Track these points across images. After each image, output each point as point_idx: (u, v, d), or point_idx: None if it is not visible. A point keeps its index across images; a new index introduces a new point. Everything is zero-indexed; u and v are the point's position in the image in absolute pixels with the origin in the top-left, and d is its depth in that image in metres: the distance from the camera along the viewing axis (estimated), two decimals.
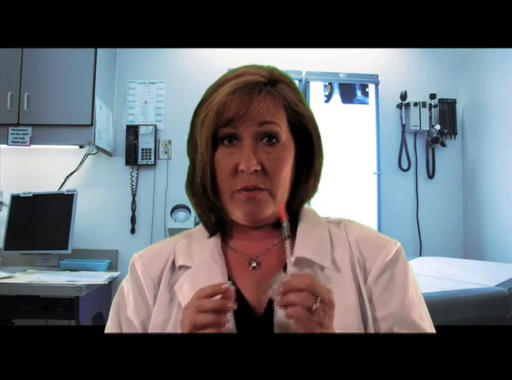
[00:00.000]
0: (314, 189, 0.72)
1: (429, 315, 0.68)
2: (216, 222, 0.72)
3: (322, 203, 2.46)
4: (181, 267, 0.69)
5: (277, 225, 0.70)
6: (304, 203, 0.72)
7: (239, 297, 0.65)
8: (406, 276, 0.68)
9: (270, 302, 0.64)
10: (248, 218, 0.66)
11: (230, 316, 0.60)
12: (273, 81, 0.66)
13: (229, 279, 0.67)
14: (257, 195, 0.64)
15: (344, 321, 0.61)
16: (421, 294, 0.69)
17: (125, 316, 0.70)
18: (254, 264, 0.69)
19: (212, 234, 0.72)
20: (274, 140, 0.65)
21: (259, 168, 0.63)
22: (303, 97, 0.69)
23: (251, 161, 0.62)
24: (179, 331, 0.59)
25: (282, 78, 0.67)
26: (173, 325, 0.64)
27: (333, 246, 0.69)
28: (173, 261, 0.71)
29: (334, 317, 0.58)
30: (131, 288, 0.71)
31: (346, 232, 0.71)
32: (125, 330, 0.69)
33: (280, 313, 0.61)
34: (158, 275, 0.70)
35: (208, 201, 0.69)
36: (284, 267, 0.66)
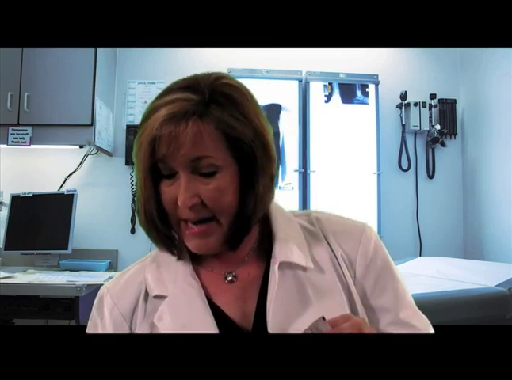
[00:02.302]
0: (259, 206, 0.63)
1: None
2: (177, 246, 0.67)
3: (323, 202, 2.47)
4: (156, 296, 0.66)
5: (230, 248, 0.65)
6: (253, 221, 0.64)
7: (222, 315, 0.63)
8: (390, 263, 0.68)
9: (257, 315, 0.62)
10: (197, 251, 0.63)
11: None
12: (205, 104, 0.59)
13: (208, 300, 0.64)
14: (203, 231, 0.61)
15: (337, 314, 0.60)
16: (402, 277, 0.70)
17: None
18: (230, 277, 0.67)
19: (178, 257, 0.68)
20: (210, 171, 0.60)
21: (197, 201, 0.59)
22: (247, 110, 0.61)
23: (186, 195, 0.59)
24: None
25: (219, 96, 0.60)
26: None
27: (309, 244, 0.67)
28: (146, 290, 0.67)
29: (327, 312, 0.57)
30: (97, 330, 0.67)
31: (319, 226, 0.69)
32: None
33: (274, 325, 0.59)
34: (130, 307, 0.67)
35: (160, 233, 0.65)
36: (264, 276, 0.65)
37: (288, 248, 0.65)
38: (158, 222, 0.63)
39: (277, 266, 0.63)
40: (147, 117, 0.61)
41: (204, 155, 0.59)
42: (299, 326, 0.58)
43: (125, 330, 0.66)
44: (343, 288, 0.64)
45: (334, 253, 0.66)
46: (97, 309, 0.69)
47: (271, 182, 0.64)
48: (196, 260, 0.69)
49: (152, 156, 0.60)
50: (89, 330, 0.69)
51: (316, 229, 0.69)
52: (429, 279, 1.81)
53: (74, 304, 1.80)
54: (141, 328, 0.65)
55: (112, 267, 2.37)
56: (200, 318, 0.62)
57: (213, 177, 0.60)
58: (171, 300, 0.65)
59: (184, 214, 0.60)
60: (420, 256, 2.48)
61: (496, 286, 1.66)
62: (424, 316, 0.67)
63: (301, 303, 0.61)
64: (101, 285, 0.72)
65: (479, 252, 2.48)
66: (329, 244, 0.67)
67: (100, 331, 0.67)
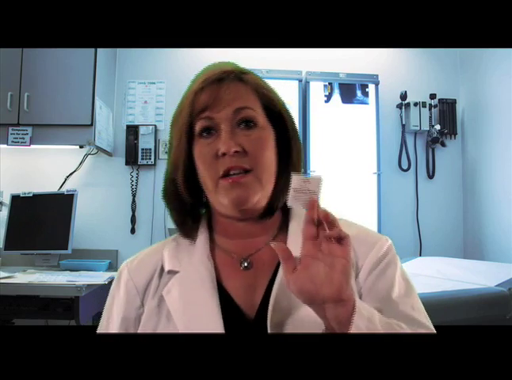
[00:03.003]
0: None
1: (423, 309, 0.66)
2: (194, 226, 0.70)
3: (323, 202, 2.46)
4: (169, 271, 0.68)
5: (262, 216, 0.69)
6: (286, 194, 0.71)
7: (229, 301, 0.64)
8: (395, 272, 0.67)
9: (262, 304, 0.63)
10: (235, 204, 0.64)
11: (218, 320, 0.60)
12: (241, 72, 0.68)
13: (218, 282, 0.65)
14: (242, 179, 0.63)
15: None
16: (413, 289, 0.67)
17: (108, 330, 0.69)
18: (246, 264, 0.68)
19: (191, 239, 0.70)
20: (252, 124, 0.65)
21: (240, 149, 0.62)
22: (271, 86, 0.71)
23: (230, 142, 0.62)
24: None
25: (248, 71, 0.70)
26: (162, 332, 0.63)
27: None
28: (162, 266, 0.69)
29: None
30: (114, 302, 0.70)
31: None
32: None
33: (274, 315, 0.60)
34: (144, 282, 0.69)
35: (181, 201, 0.68)
36: (277, 267, 0.65)
37: (299, 244, 0.65)
38: (182, 184, 0.66)
39: None
40: (186, 91, 0.68)
41: (245, 106, 0.64)
42: (297, 322, 0.59)
43: (137, 304, 0.68)
44: None
45: None
46: (115, 281, 0.72)
47: (296, 163, 0.69)
48: (214, 241, 0.71)
49: (191, 112, 0.64)
50: (107, 303, 0.72)
51: None
52: (429, 279, 1.81)
53: (74, 304, 1.80)
54: (150, 302, 0.67)
55: (112, 267, 2.36)
56: (206, 299, 0.63)
57: (253, 129, 0.65)
58: (182, 275, 0.67)
59: (226, 163, 0.62)
60: (420, 256, 2.48)
61: (496, 286, 1.66)
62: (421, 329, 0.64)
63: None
64: (101, 285, 0.74)
65: (479, 252, 2.48)
66: None
67: (115, 303, 0.70)
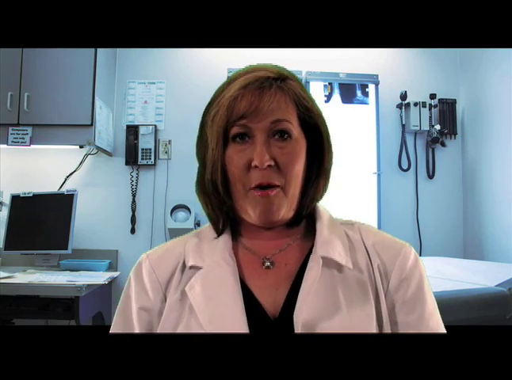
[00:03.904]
0: (324, 187, 0.70)
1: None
2: (225, 221, 0.71)
3: (322, 203, 2.46)
4: (191, 267, 0.68)
5: (289, 225, 0.69)
6: (316, 201, 0.71)
7: (251, 298, 0.64)
8: (425, 284, 0.67)
9: (286, 304, 0.62)
10: (262, 217, 0.65)
11: (242, 317, 0.60)
12: (282, 77, 0.66)
13: (240, 280, 0.65)
14: (270, 193, 0.63)
15: (364, 324, 0.60)
16: (434, 300, 0.68)
17: (129, 323, 0.68)
18: (268, 263, 0.67)
19: (219, 234, 0.70)
20: (286, 136, 0.64)
21: (272, 163, 0.62)
22: (310, 95, 0.70)
23: (265, 156, 0.62)
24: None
25: (290, 76, 0.68)
26: (185, 328, 0.63)
27: (351, 249, 0.67)
28: (184, 261, 0.69)
29: (355, 321, 0.58)
30: (135, 292, 0.69)
31: (361, 235, 0.70)
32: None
33: (301, 315, 0.59)
34: (167, 276, 0.68)
35: (219, 199, 0.68)
36: (301, 267, 0.66)
37: (329, 246, 0.66)
38: (221, 188, 0.66)
39: (315, 260, 0.64)
40: (223, 87, 0.66)
41: (284, 118, 0.64)
42: (325, 325, 0.59)
43: (160, 297, 0.67)
44: (374, 297, 0.64)
45: (371, 262, 0.66)
46: (134, 273, 0.71)
47: (328, 171, 0.70)
48: (237, 240, 0.71)
49: (228, 117, 0.63)
50: (124, 295, 0.70)
51: (358, 237, 0.70)
52: (429, 279, 1.81)
53: (74, 304, 1.80)
54: (172, 296, 0.66)
55: (112, 267, 2.37)
56: (230, 296, 0.63)
57: (287, 142, 0.64)
58: (205, 271, 0.66)
59: (258, 177, 0.63)
60: (420, 256, 2.45)
61: (496, 286, 1.65)
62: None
63: (331, 306, 0.61)
64: (101, 285, 0.73)
65: (479, 252, 2.48)
66: (368, 253, 0.67)
67: (134, 294, 0.69)
